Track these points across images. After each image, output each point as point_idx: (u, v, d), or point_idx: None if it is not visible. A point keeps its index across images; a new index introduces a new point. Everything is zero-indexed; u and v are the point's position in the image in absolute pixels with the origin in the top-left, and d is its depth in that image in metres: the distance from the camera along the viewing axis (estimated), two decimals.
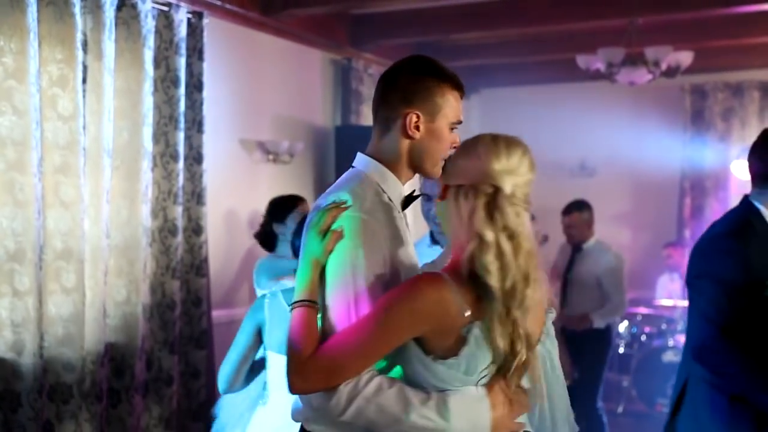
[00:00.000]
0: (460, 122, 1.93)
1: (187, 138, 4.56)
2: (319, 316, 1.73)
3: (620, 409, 6.47)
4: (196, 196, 4.62)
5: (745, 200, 2.61)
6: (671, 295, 7.20)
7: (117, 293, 4.15)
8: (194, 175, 4.62)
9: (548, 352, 1.83)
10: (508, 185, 1.69)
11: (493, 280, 1.65)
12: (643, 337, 6.80)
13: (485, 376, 1.71)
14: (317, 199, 1.87)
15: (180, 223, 4.47)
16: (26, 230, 3.58)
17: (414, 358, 1.69)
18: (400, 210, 1.91)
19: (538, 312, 1.76)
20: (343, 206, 1.76)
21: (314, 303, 1.74)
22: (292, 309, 1.74)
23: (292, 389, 1.70)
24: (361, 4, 5.69)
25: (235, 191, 5.32)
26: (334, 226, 1.74)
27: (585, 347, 5.28)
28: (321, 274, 1.75)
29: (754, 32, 6.15)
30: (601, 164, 7.85)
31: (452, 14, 6.04)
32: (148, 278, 4.28)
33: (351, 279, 1.71)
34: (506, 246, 1.66)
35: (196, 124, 4.61)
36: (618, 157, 7.74)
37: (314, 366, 1.66)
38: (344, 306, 1.71)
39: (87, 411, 3.88)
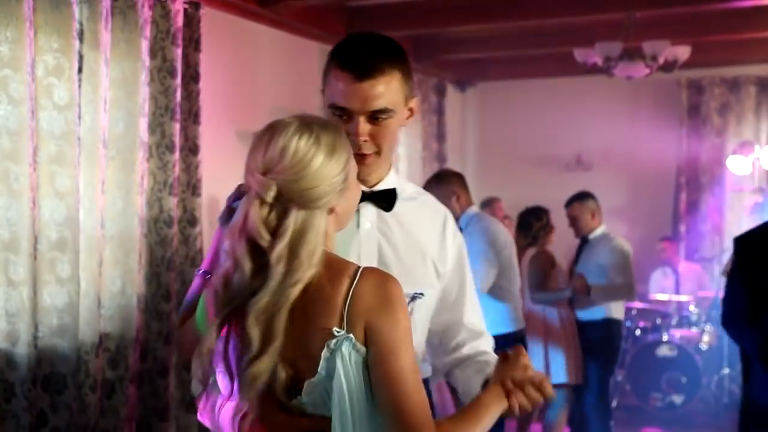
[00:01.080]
0: (339, 107, 1.73)
1: (183, 129, 4.55)
2: None
3: (614, 404, 6.49)
4: (191, 187, 4.62)
5: None
6: (664, 290, 7.22)
7: (112, 284, 4.15)
8: (189, 166, 4.61)
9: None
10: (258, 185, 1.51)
11: None
12: (638, 332, 6.82)
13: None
14: None
15: (175, 214, 4.46)
16: (21, 220, 3.56)
17: None
18: None
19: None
20: None
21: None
22: None
23: None
24: None
25: (231, 182, 5.28)
26: None
27: (592, 342, 5.24)
28: None
29: (751, 27, 6.15)
30: (597, 159, 7.86)
31: (449, 7, 6.03)
32: (143, 269, 4.28)
33: None
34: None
35: (192, 115, 4.60)
36: (614, 151, 7.75)
37: None
38: None
39: (81, 401, 3.88)
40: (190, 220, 4.61)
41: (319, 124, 1.52)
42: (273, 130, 1.51)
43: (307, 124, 1.50)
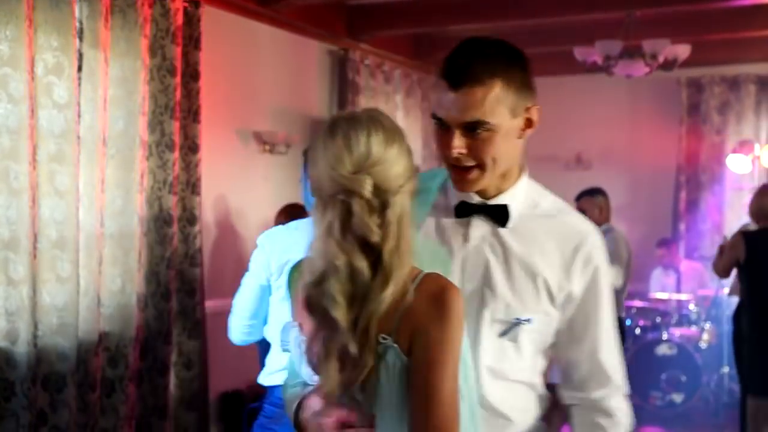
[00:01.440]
0: (437, 117, 1.62)
1: (183, 127, 4.55)
2: None
3: None
4: (190, 186, 4.61)
5: None
6: (665, 288, 7.21)
7: (112, 283, 4.15)
8: (189, 165, 4.61)
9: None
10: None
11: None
12: (638, 330, 6.81)
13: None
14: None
15: (175, 212, 4.46)
16: (21, 219, 3.56)
17: None
18: (453, 212, 1.72)
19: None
20: None
21: None
22: None
23: None
24: None
25: (230, 181, 5.31)
26: None
27: None
28: None
29: (751, 26, 6.15)
30: (596, 157, 7.85)
31: (449, 5, 6.03)
32: (142, 268, 4.28)
33: None
34: None
35: (191, 114, 4.60)
36: (614, 150, 7.75)
37: None
38: None
39: (81, 400, 3.88)
40: (189, 218, 4.61)
41: (378, 113, 1.52)
42: (346, 129, 1.49)
43: (372, 116, 1.50)
